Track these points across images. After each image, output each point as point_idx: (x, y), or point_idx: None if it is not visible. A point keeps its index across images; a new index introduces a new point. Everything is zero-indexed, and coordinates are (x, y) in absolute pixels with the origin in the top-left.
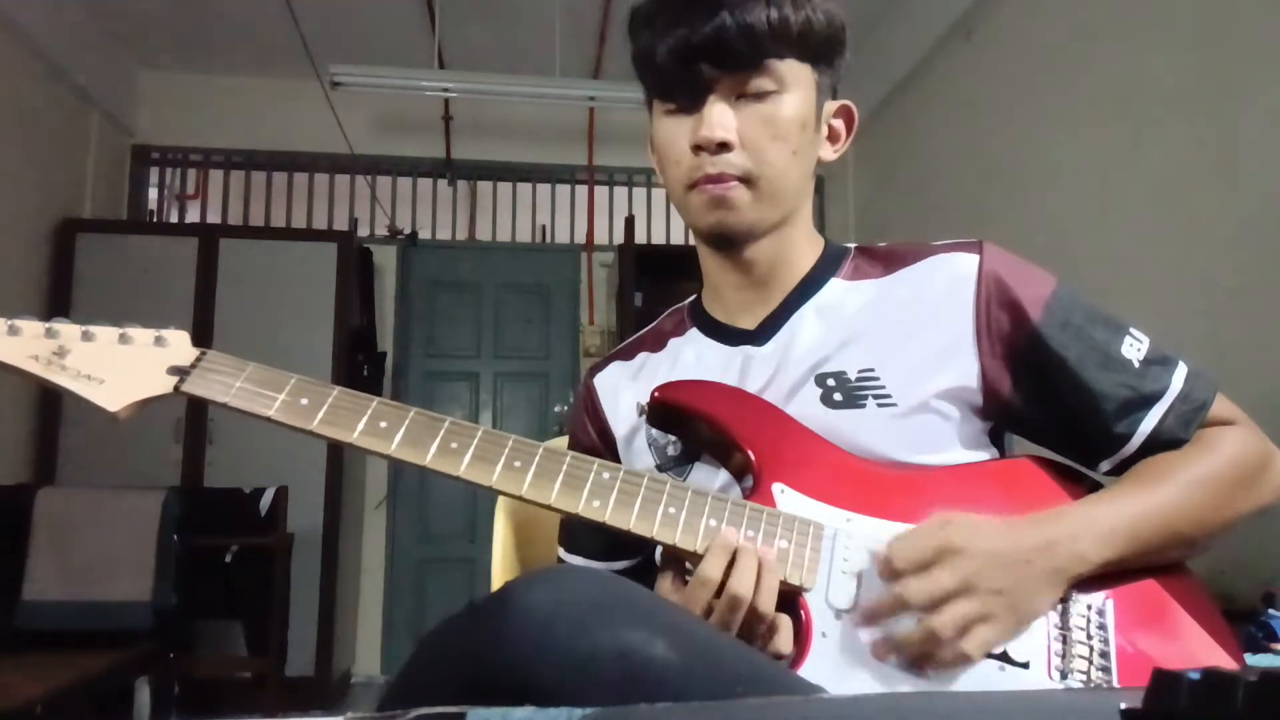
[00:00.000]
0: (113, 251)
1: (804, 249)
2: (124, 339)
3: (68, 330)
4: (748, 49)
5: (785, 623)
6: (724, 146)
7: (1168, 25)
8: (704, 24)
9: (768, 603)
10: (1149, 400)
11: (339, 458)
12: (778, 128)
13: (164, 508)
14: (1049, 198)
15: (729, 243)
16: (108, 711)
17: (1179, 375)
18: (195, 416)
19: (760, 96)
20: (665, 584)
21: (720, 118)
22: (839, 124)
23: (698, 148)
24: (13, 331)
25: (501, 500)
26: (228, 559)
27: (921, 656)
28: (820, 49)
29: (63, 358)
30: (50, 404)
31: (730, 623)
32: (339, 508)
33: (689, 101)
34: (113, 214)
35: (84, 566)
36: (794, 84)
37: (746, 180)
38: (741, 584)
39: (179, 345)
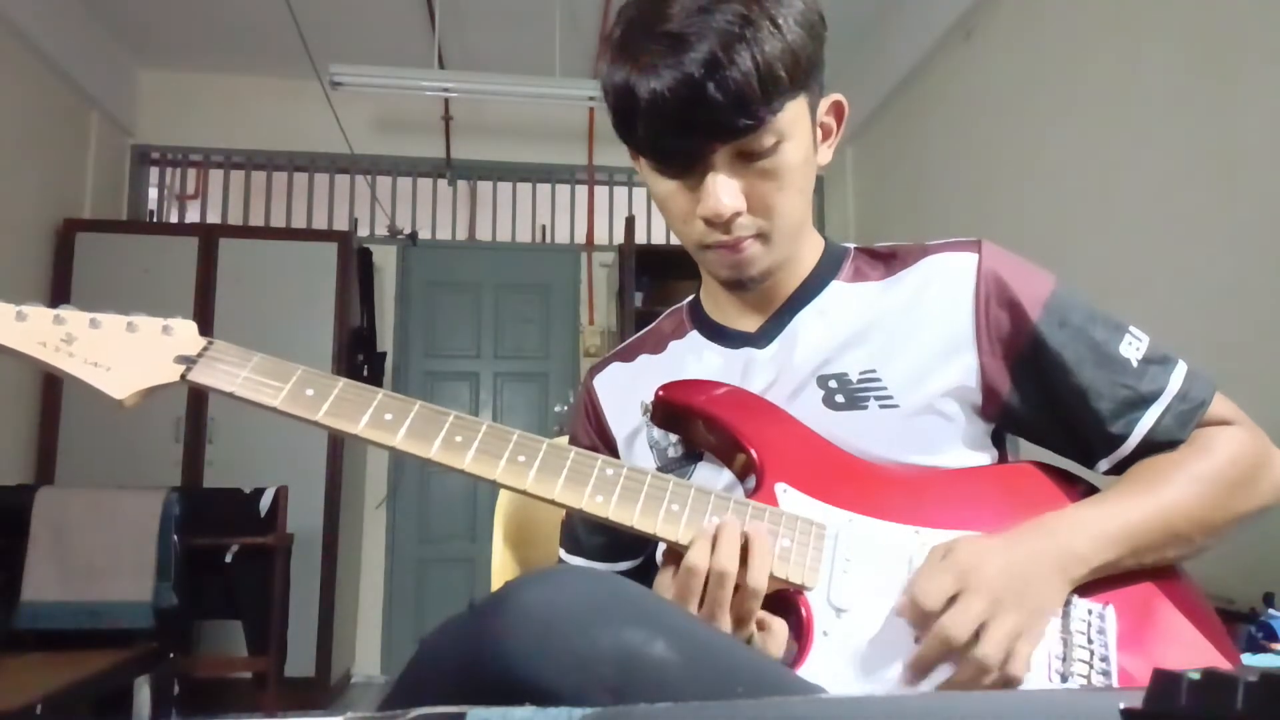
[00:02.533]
0: (113, 251)
1: (804, 252)
2: (131, 327)
3: (75, 317)
4: (742, 115)
5: (780, 627)
6: (734, 214)
7: (1167, 25)
8: (691, 93)
9: (759, 577)
10: (1147, 400)
11: (339, 457)
12: (784, 179)
13: (164, 508)
14: (1049, 198)
15: (746, 288)
16: (108, 711)
17: (1178, 374)
18: (195, 416)
19: (763, 154)
20: (664, 581)
21: (725, 191)
22: (830, 120)
23: (708, 220)
24: (21, 318)
25: (502, 500)
26: (228, 559)
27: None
28: (807, 70)
29: (70, 344)
30: (51, 403)
31: (720, 601)
32: (339, 508)
33: (687, 174)
34: (113, 214)
35: (84, 566)
36: (793, 125)
37: (760, 236)
38: (724, 558)
39: (186, 334)
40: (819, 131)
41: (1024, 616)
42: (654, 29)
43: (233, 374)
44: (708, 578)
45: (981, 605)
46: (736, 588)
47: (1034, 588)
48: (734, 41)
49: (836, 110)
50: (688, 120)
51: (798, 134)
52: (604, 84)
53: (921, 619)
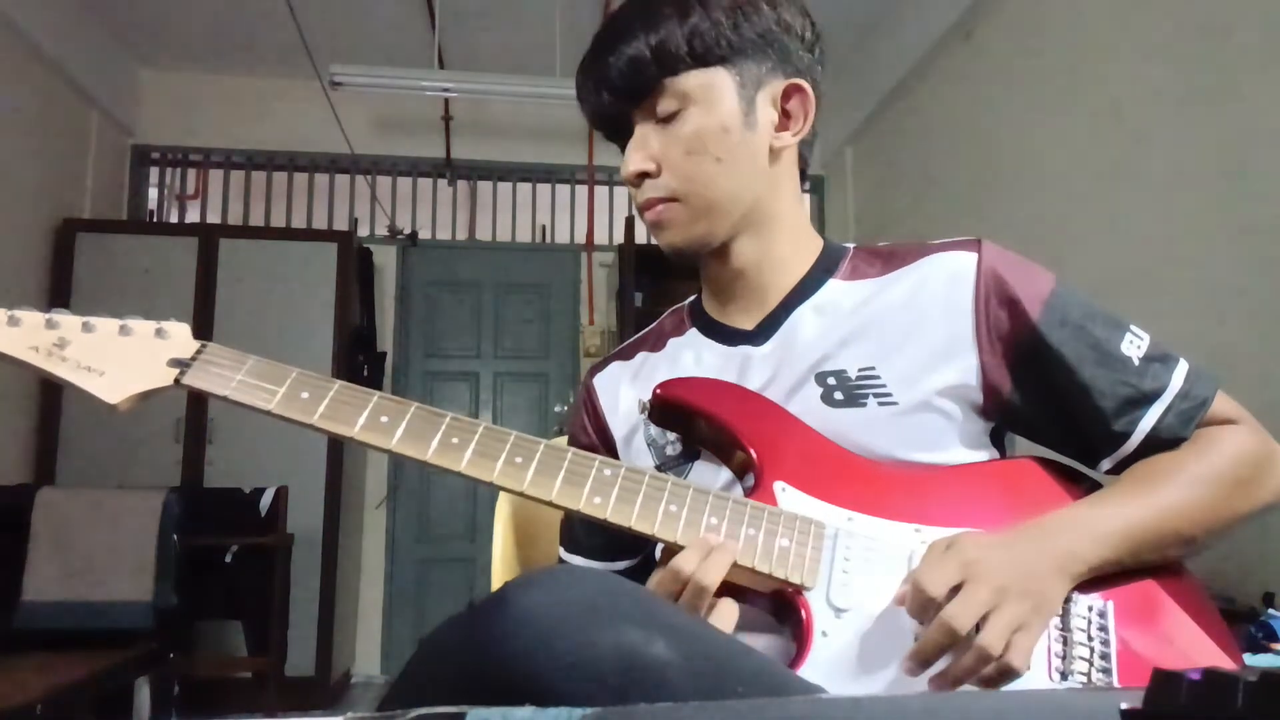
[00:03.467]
0: (113, 251)
1: (796, 248)
2: (124, 331)
3: (68, 321)
4: (635, 79)
5: (729, 608)
6: (643, 175)
7: (1167, 25)
8: (601, 72)
9: (713, 575)
10: (1149, 398)
11: (339, 457)
12: (692, 141)
13: (164, 508)
14: (1049, 198)
15: (689, 258)
16: (108, 711)
17: (1179, 373)
18: (195, 416)
19: (669, 118)
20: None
21: (630, 151)
22: (793, 106)
23: (628, 183)
24: (13, 322)
25: (501, 500)
26: (228, 559)
27: (967, 678)
28: (729, 49)
29: (63, 349)
30: (51, 404)
31: (695, 610)
32: (339, 508)
33: (623, 141)
34: (113, 214)
35: (84, 566)
36: (702, 95)
37: (675, 199)
38: (709, 575)
39: (180, 337)
40: (772, 115)
41: (1026, 609)
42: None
43: (227, 377)
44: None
45: (986, 594)
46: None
47: (1036, 583)
48: (643, 16)
49: (799, 97)
50: (598, 82)
51: (711, 103)
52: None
53: (923, 607)
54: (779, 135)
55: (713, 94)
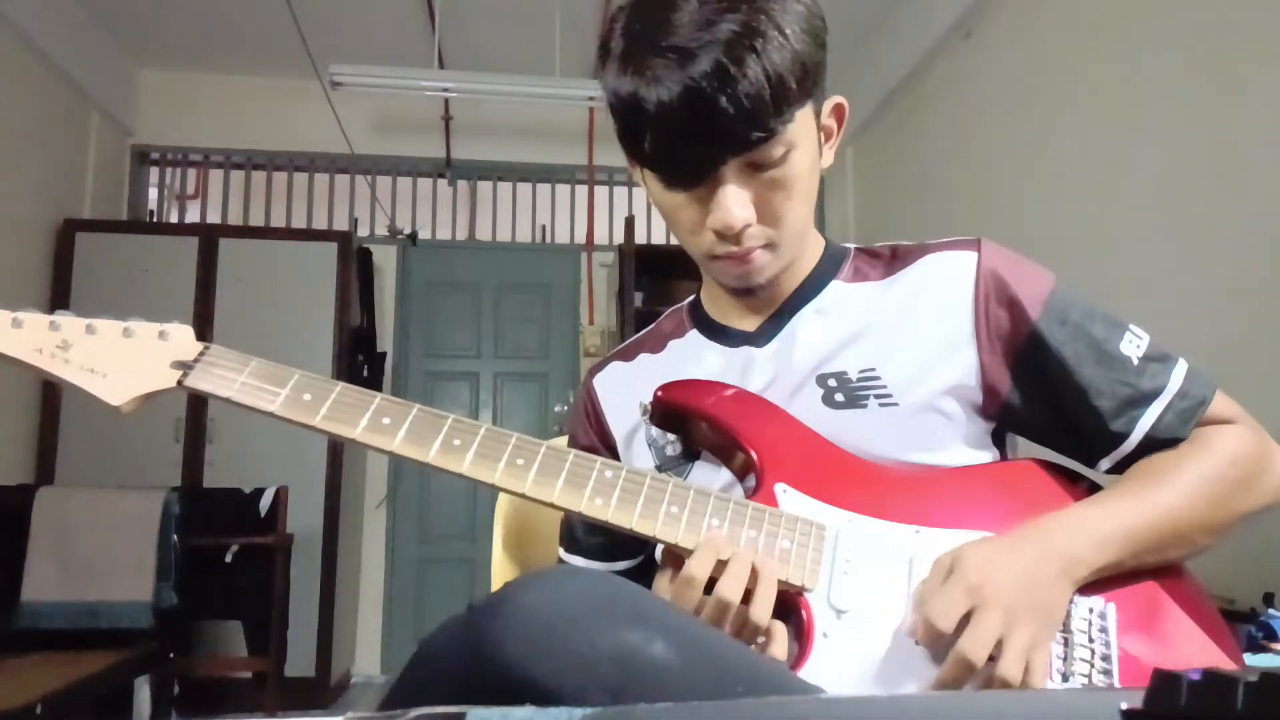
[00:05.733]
0: (113, 251)
1: (805, 253)
2: (127, 333)
3: (71, 324)
4: (754, 127)
5: (780, 631)
6: (745, 225)
7: (1167, 25)
8: (701, 104)
9: (762, 613)
10: (1147, 397)
11: (339, 458)
12: (793, 188)
13: (164, 508)
14: (1049, 198)
15: (754, 295)
16: (108, 711)
17: (1178, 372)
18: (195, 416)
19: (772, 164)
20: (663, 583)
21: (737, 203)
22: (831, 122)
23: (718, 233)
24: (16, 324)
25: (501, 501)
26: (228, 559)
27: None
28: (813, 78)
29: (66, 351)
30: (51, 404)
31: (719, 626)
32: (339, 508)
33: (696, 185)
34: (113, 214)
35: (84, 566)
36: (800, 134)
37: (768, 245)
38: (729, 589)
39: (182, 339)
40: (821, 135)
41: (1036, 626)
42: (659, 41)
43: (230, 379)
44: (711, 596)
45: (997, 621)
46: (739, 617)
47: (1041, 595)
48: (743, 53)
49: (838, 112)
50: (698, 132)
51: (805, 142)
52: (609, 95)
53: (936, 641)
54: (826, 155)
55: (806, 134)
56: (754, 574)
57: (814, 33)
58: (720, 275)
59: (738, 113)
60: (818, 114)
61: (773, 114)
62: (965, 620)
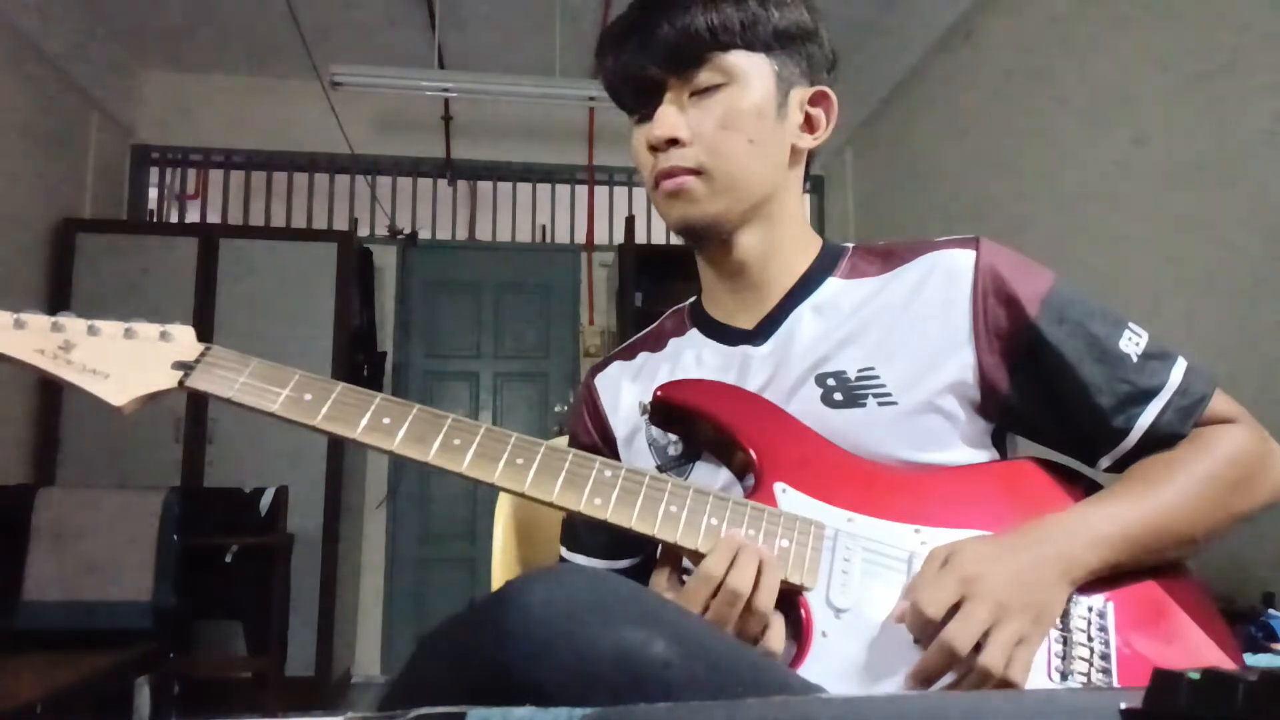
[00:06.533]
0: (113, 251)
1: (797, 247)
2: (129, 334)
3: (73, 324)
4: (687, 48)
5: (778, 621)
6: (673, 142)
7: (1166, 24)
8: (647, 34)
9: (766, 601)
10: (1147, 395)
11: (339, 458)
12: (728, 118)
13: (164, 508)
14: (1049, 198)
15: (699, 237)
16: (108, 711)
17: (1178, 370)
18: (195, 416)
19: (709, 91)
20: (660, 580)
21: (665, 115)
22: (817, 112)
23: (653, 148)
24: (19, 325)
25: (501, 500)
26: (228, 559)
27: None
28: (774, 39)
29: (68, 352)
30: (51, 404)
31: (727, 618)
32: (339, 508)
33: (646, 108)
34: (113, 214)
35: (84, 566)
36: (745, 75)
37: (700, 172)
38: (740, 579)
39: (184, 340)
40: (799, 115)
41: (1026, 623)
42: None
43: (231, 380)
44: (718, 589)
45: (985, 613)
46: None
47: (1037, 594)
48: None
49: (824, 103)
50: (640, 49)
51: (752, 85)
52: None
53: (923, 628)
54: (802, 136)
55: (754, 77)
56: (759, 564)
57: (783, 4)
58: (664, 210)
59: (677, 37)
60: (781, 78)
61: (710, 41)
62: (955, 611)
